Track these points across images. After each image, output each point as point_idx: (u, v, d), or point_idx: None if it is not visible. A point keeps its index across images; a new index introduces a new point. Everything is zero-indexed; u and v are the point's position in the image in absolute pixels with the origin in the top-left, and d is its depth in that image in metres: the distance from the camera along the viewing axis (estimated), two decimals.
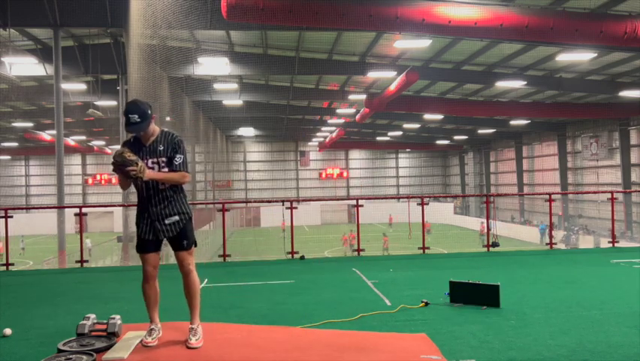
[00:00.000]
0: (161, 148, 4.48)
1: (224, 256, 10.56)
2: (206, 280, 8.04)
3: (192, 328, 4.58)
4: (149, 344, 4.48)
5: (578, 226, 39.70)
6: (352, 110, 35.46)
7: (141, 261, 4.59)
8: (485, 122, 41.48)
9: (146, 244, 4.53)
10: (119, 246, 26.00)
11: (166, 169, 4.48)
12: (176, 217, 4.52)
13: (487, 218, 11.62)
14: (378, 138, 54.99)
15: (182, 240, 4.54)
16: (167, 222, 4.49)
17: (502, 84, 25.85)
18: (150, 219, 4.50)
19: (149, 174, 4.33)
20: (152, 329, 4.60)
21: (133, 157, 4.27)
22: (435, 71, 25.00)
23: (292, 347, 4.58)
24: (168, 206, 4.51)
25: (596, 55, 20.52)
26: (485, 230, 37.09)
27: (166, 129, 4.62)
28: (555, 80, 25.77)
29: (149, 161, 4.44)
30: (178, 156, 4.47)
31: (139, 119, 4.33)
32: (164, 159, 4.47)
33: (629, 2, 15.71)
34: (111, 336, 4.65)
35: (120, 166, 4.26)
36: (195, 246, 4.66)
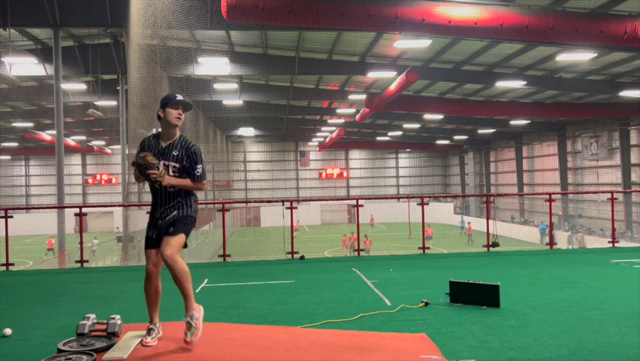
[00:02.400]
0: (175, 153, 4.56)
1: (224, 256, 10.55)
2: (206, 280, 8.05)
3: (188, 321, 4.43)
4: (149, 344, 4.48)
5: (578, 226, 39.71)
6: (352, 110, 35.45)
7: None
8: (485, 122, 41.48)
9: (149, 241, 4.61)
10: (119, 246, 26.01)
11: (177, 174, 4.54)
12: (175, 212, 4.55)
13: (487, 218, 11.61)
14: (378, 138, 54.97)
15: (170, 227, 4.47)
16: (166, 219, 4.55)
17: (502, 84, 25.85)
18: (155, 217, 4.60)
19: (169, 179, 4.44)
20: (151, 329, 4.60)
21: (154, 161, 4.40)
22: (435, 71, 24.99)
23: (292, 347, 4.58)
24: (173, 207, 4.57)
25: (596, 55, 20.52)
26: (471, 231, 36.77)
27: (184, 136, 4.71)
28: (555, 80, 25.76)
29: (162, 162, 4.53)
30: (198, 166, 4.56)
31: (187, 104, 4.66)
32: (175, 164, 4.54)
33: (629, 2, 15.71)
34: (111, 336, 4.65)
35: (141, 168, 4.38)
36: (185, 247, 4.59)
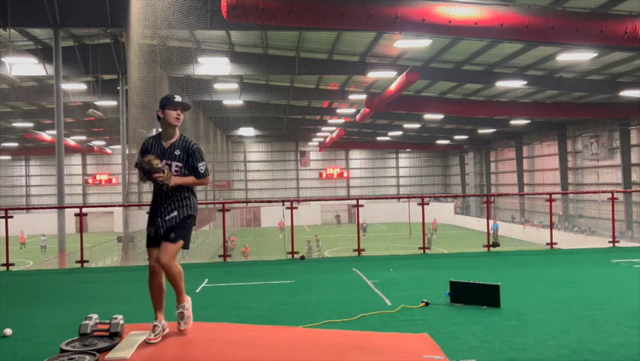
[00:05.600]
0: (177, 153, 4.68)
1: (224, 256, 10.56)
2: (206, 280, 8.05)
3: (181, 311, 4.70)
4: (152, 341, 4.49)
5: (578, 226, 39.70)
6: (352, 110, 35.44)
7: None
8: (485, 122, 41.47)
9: (149, 239, 4.69)
10: (119, 246, 25.99)
11: (179, 173, 4.67)
12: (175, 213, 4.63)
13: (488, 218, 11.62)
14: (379, 138, 54.96)
15: (170, 232, 4.58)
16: (166, 218, 4.61)
17: (502, 84, 25.84)
18: (155, 215, 4.66)
19: (175, 180, 4.57)
20: (155, 326, 4.62)
21: (160, 164, 4.51)
22: (435, 71, 24.99)
23: (294, 347, 4.58)
24: (172, 204, 4.65)
25: (596, 55, 20.52)
26: (435, 225, 36.35)
27: (185, 135, 4.81)
28: (555, 80, 25.76)
29: (164, 161, 4.63)
30: (201, 164, 4.70)
31: (185, 105, 4.76)
32: (178, 163, 4.67)
33: (629, 2, 15.71)
34: (114, 336, 4.64)
35: (147, 173, 4.48)
36: (186, 248, 4.68)
